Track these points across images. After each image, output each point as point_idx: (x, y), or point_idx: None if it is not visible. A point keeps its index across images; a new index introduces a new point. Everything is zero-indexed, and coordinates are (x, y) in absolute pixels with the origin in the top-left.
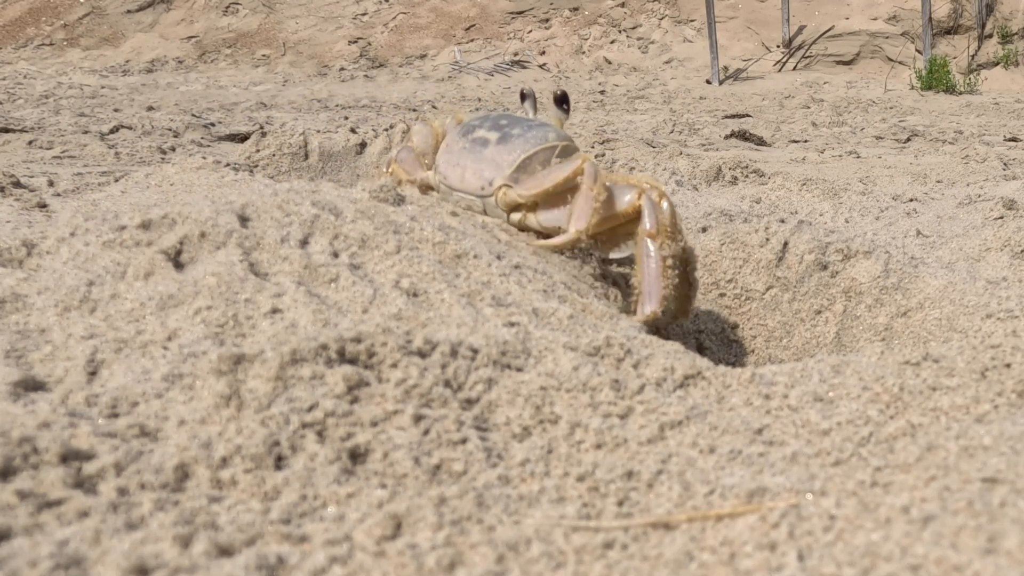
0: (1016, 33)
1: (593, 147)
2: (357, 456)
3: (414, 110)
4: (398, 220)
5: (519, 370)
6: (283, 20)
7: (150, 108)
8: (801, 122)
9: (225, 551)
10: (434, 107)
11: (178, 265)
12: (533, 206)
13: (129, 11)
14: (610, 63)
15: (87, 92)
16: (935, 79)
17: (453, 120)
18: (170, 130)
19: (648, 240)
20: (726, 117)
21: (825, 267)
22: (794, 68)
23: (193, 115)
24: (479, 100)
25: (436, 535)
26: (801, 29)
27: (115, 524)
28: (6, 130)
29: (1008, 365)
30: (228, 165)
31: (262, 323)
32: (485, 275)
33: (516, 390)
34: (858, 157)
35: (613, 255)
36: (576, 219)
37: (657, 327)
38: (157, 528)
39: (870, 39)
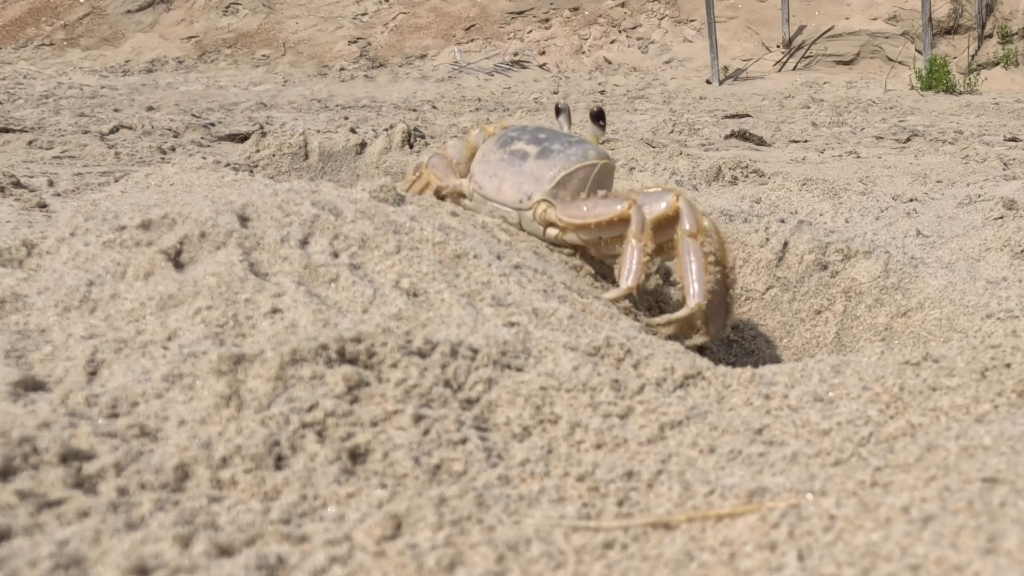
0: (1016, 33)
1: None
2: (357, 456)
3: (414, 110)
4: (398, 220)
5: (519, 370)
6: (283, 20)
7: (150, 108)
8: (801, 122)
9: (225, 551)
10: (434, 107)
11: (178, 265)
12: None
13: (129, 11)
14: (610, 63)
15: (87, 92)
16: (935, 79)
17: (482, 133)
18: (170, 130)
19: (689, 240)
20: (726, 117)
21: (825, 267)
22: (794, 68)
23: (193, 115)
24: (479, 100)
25: (436, 535)
26: (801, 29)
27: (115, 524)
28: (6, 130)
29: (1008, 365)
30: (228, 165)
31: (262, 323)
32: (485, 275)
33: (516, 390)
34: (858, 157)
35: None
36: (627, 275)
37: (702, 346)
38: (157, 528)
39: (870, 39)
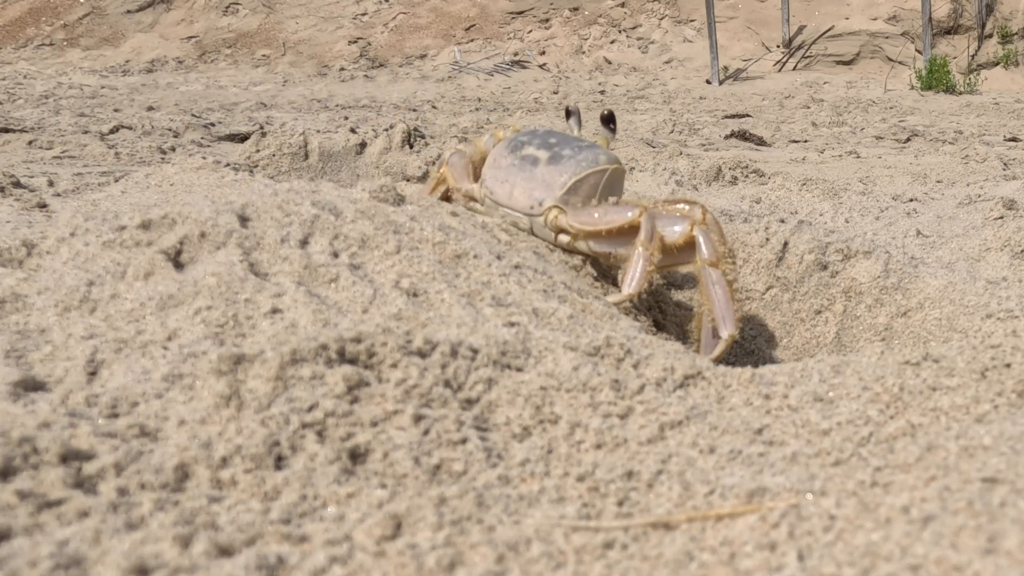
0: (1016, 33)
1: None
2: (357, 456)
3: (414, 110)
4: (398, 220)
5: (519, 370)
6: (283, 20)
7: (150, 108)
8: (801, 122)
9: (225, 551)
10: (434, 107)
11: (178, 265)
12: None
13: (129, 11)
14: (610, 63)
15: (87, 92)
16: (935, 79)
17: (492, 138)
18: (170, 130)
19: (710, 269)
20: (726, 117)
21: (825, 267)
22: (794, 68)
23: (193, 115)
24: (479, 100)
25: (436, 535)
26: (801, 29)
27: (115, 524)
28: (6, 130)
29: (1008, 365)
30: (228, 165)
31: (262, 323)
32: (485, 275)
33: (516, 390)
34: (858, 157)
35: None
36: (629, 282)
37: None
38: (157, 528)
39: (870, 39)
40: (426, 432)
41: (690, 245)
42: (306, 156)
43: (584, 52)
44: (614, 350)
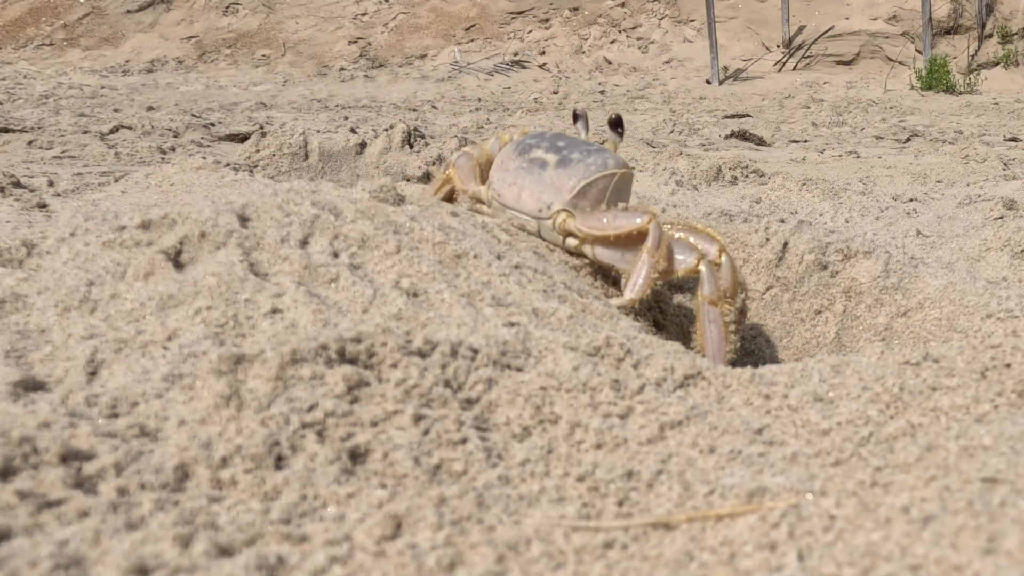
0: (1016, 33)
1: None
2: (357, 456)
3: (414, 110)
4: (398, 220)
5: (519, 370)
6: (283, 20)
7: (150, 108)
8: (801, 122)
9: (225, 551)
10: (434, 107)
11: (178, 265)
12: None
13: (129, 11)
14: (610, 63)
15: (87, 92)
16: (935, 79)
17: (498, 141)
18: (170, 130)
19: (709, 306)
20: (726, 117)
21: (825, 267)
22: (794, 68)
23: (193, 115)
24: (479, 100)
25: (436, 535)
26: (801, 29)
27: (115, 524)
28: (6, 130)
29: (1008, 365)
30: (228, 165)
31: (262, 323)
32: (485, 275)
33: (516, 390)
34: (858, 157)
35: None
36: (632, 287)
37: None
38: (157, 528)
39: (870, 39)
40: (426, 432)
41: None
42: (306, 156)
43: (584, 52)
44: (614, 350)
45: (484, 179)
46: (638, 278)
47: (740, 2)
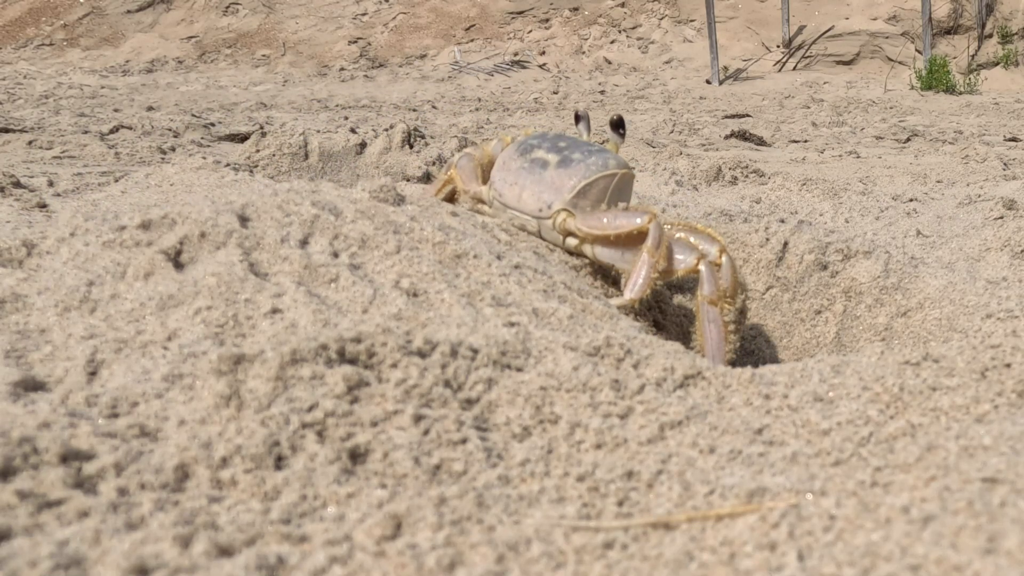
0: (1016, 33)
1: None
2: (357, 456)
3: (414, 110)
4: (398, 220)
5: (519, 370)
6: (283, 20)
7: (150, 108)
8: (801, 122)
9: (225, 551)
10: (434, 107)
11: (178, 265)
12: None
13: (129, 11)
14: (610, 63)
15: (87, 92)
16: (935, 79)
17: (500, 142)
18: (170, 130)
19: (709, 306)
20: (726, 117)
21: (825, 267)
22: (794, 68)
23: (193, 115)
24: (479, 100)
25: (436, 535)
26: (801, 29)
27: (115, 524)
28: (6, 130)
29: (1008, 365)
30: (228, 165)
31: (262, 323)
32: (485, 275)
33: (516, 390)
34: (858, 157)
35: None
36: (632, 287)
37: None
38: (157, 528)
39: (870, 39)
40: (426, 432)
41: (690, 273)
42: (306, 156)
43: (584, 52)
44: (614, 350)
45: (486, 179)
46: (638, 278)
47: (740, 2)
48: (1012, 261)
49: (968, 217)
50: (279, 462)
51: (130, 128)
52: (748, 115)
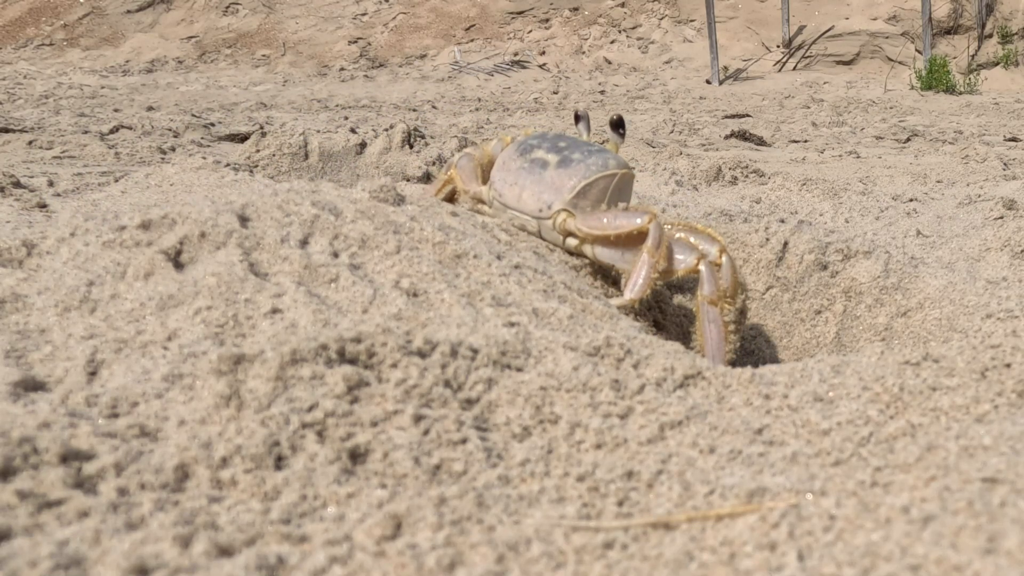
0: (1016, 33)
1: None
2: (357, 456)
3: (414, 110)
4: (398, 220)
5: (519, 370)
6: (283, 20)
7: (150, 108)
8: (801, 122)
9: (225, 551)
10: (434, 107)
11: (178, 265)
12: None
13: (129, 11)
14: (610, 63)
15: (87, 92)
16: (935, 79)
17: (500, 143)
18: (170, 130)
19: (709, 306)
20: (726, 117)
21: (825, 267)
22: (794, 68)
23: (193, 115)
24: (479, 100)
25: (436, 535)
26: (801, 29)
27: (115, 524)
28: (6, 130)
29: (1008, 365)
30: (228, 165)
31: (262, 323)
32: (485, 275)
33: (516, 390)
34: (858, 157)
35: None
36: (632, 287)
37: None
38: (157, 528)
39: (870, 39)
40: (426, 432)
41: (690, 273)
42: (306, 156)
43: (584, 52)
44: (614, 350)
45: (486, 180)
46: (638, 278)
47: (740, 2)
48: (1012, 261)
49: (968, 217)
50: (279, 462)
51: (130, 128)
52: (748, 115)
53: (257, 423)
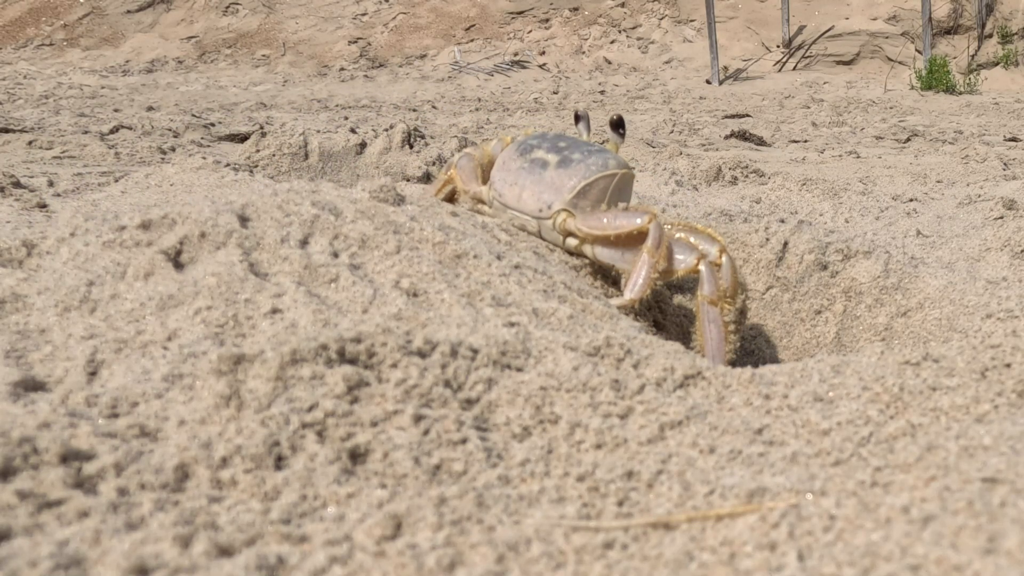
0: (1016, 33)
1: None
2: (357, 456)
3: (414, 110)
4: (398, 220)
5: (519, 370)
6: (283, 20)
7: (150, 108)
8: (801, 122)
9: (225, 551)
10: (434, 107)
11: (178, 265)
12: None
13: (129, 11)
14: (610, 63)
15: (87, 92)
16: (935, 79)
17: (500, 143)
18: (170, 130)
19: (709, 306)
20: (726, 117)
21: (825, 267)
22: (794, 68)
23: (193, 115)
24: (479, 100)
25: (436, 535)
26: (801, 29)
27: (115, 524)
28: (6, 130)
29: (1008, 365)
30: (228, 165)
31: (262, 323)
32: (485, 275)
33: (516, 390)
34: (858, 157)
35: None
36: (632, 287)
37: None
38: (157, 528)
39: (870, 39)
40: (426, 432)
41: (690, 272)
42: (306, 156)
43: (584, 52)
44: (614, 350)
45: (486, 180)
46: (638, 278)
47: (740, 2)
48: (1012, 261)
49: (968, 217)
50: (279, 462)
51: (130, 128)
52: (748, 115)
53: (257, 423)
